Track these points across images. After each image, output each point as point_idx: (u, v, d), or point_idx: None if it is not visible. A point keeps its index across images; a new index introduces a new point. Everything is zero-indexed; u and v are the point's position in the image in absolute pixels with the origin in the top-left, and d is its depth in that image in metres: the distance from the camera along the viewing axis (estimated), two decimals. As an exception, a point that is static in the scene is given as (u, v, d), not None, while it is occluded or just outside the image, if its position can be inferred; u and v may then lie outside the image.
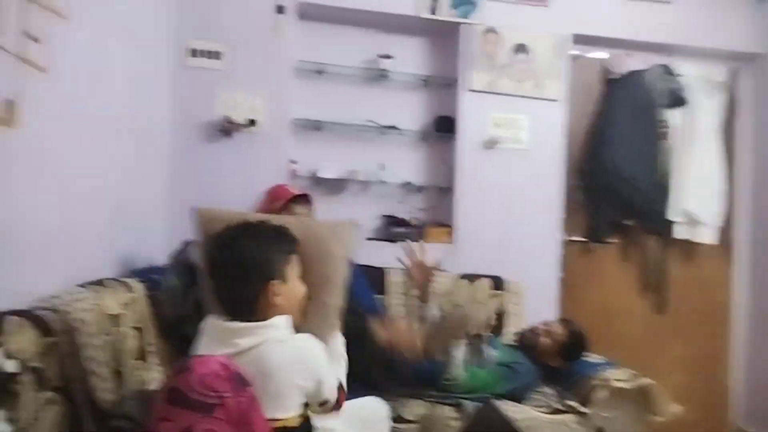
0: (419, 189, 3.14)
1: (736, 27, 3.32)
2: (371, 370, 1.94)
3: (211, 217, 1.51)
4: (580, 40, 3.21)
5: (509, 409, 2.04)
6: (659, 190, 3.26)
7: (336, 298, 1.49)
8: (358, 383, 1.74)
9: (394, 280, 2.71)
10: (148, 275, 1.98)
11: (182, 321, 1.90)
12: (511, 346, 2.53)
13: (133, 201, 2.24)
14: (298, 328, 1.32)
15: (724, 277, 3.44)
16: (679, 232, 3.32)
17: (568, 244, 3.25)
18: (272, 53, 2.85)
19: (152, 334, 1.81)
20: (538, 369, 2.36)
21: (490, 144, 3.08)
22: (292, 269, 1.33)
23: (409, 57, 3.18)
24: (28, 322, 1.14)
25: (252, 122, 2.79)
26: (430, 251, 2.36)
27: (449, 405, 2.07)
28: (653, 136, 3.28)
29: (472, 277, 2.83)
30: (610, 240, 3.31)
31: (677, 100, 3.30)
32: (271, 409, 1.16)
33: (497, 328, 2.76)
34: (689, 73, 3.36)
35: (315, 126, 3.00)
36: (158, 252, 2.45)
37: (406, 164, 3.15)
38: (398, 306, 2.68)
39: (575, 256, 3.29)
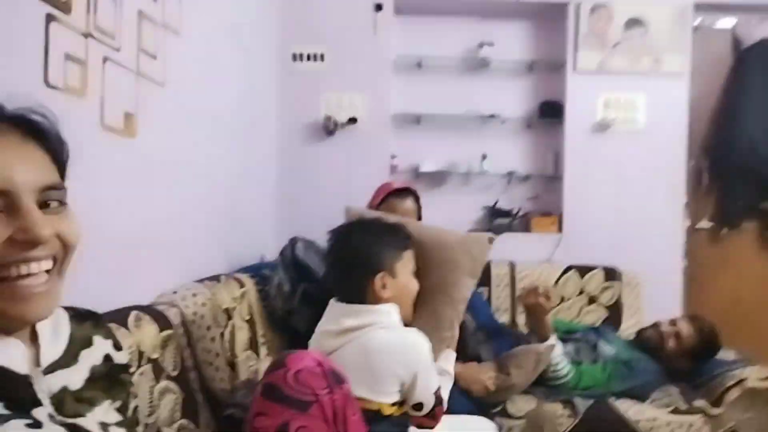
0: (524, 178, 3.03)
1: None
2: None
3: (355, 216, 1.64)
4: (703, 8, 2.91)
5: (627, 408, 1.91)
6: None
7: (451, 311, 1.48)
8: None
9: (498, 273, 2.64)
10: (258, 271, 2.09)
11: (290, 314, 1.99)
12: (629, 341, 2.35)
13: (243, 201, 2.38)
14: (406, 325, 1.34)
15: None
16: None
17: (692, 230, 2.97)
18: (371, 51, 2.88)
19: (262, 326, 1.91)
20: (661, 368, 2.16)
21: (602, 127, 2.89)
22: (404, 265, 1.36)
23: (511, 42, 3.07)
24: (147, 317, 1.25)
25: (353, 120, 2.84)
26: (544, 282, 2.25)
27: (560, 401, 1.98)
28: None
29: (582, 269, 2.68)
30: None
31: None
32: (367, 390, 1.18)
33: (614, 322, 2.59)
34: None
35: (415, 120, 2.99)
36: (267, 248, 2.59)
37: (510, 153, 3.05)
38: (502, 299, 2.61)
39: (702, 244, 3.00)
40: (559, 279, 2.67)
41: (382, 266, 1.32)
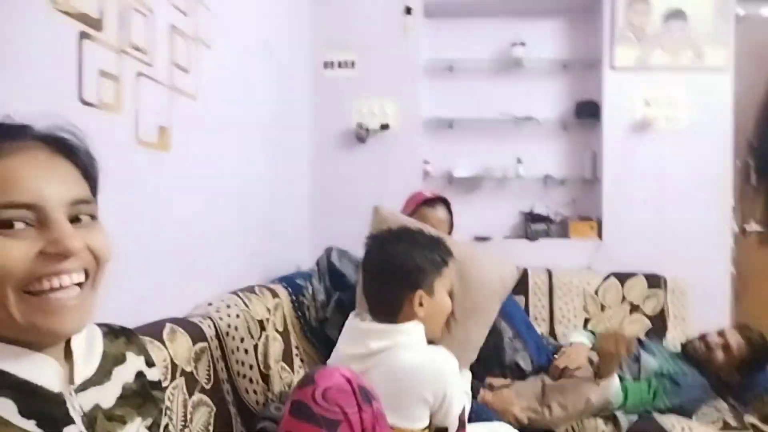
0: (560, 182, 2.95)
1: None
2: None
3: (384, 218, 1.63)
4: (748, -3, 2.79)
5: (673, 424, 1.82)
6: None
7: (479, 334, 1.44)
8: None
9: (535, 280, 2.58)
10: (293, 281, 2.09)
11: (324, 323, 1.98)
12: (674, 353, 2.24)
13: (277, 211, 2.39)
14: (434, 344, 1.30)
15: None
16: None
17: (741, 234, 2.84)
18: (402, 56, 2.86)
19: (297, 337, 1.90)
20: (709, 381, 2.05)
21: (642, 126, 2.80)
22: (442, 283, 1.31)
23: (544, 41, 3.00)
24: (181, 329, 1.25)
25: (385, 126, 2.82)
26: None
27: (602, 417, 1.90)
28: None
29: (623, 276, 2.59)
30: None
31: None
32: (396, 417, 1.14)
33: (658, 332, 2.49)
34: None
35: (447, 124, 2.96)
36: (303, 258, 2.60)
37: (545, 156, 2.98)
38: (539, 308, 2.54)
39: (751, 249, 2.87)
40: (599, 287, 2.58)
41: (422, 283, 1.27)
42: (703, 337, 2.11)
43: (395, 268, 1.27)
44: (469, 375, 1.48)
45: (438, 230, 1.99)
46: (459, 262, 1.44)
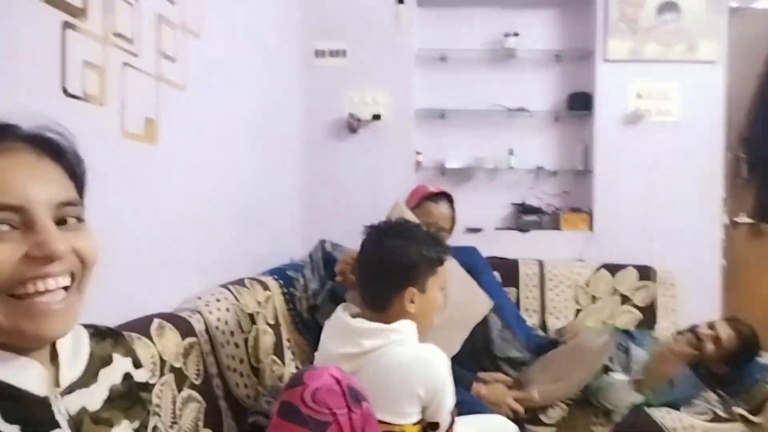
0: (552, 173, 2.95)
1: None
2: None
3: (402, 213, 1.71)
4: (741, -11, 2.78)
5: (663, 415, 1.83)
6: None
7: (462, 333, 1.44)
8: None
9: (526, 272, 2.58)
10: (284, 273, 2.08)
11: (315, 310, 1.98)
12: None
13: (268, 202, 2.37)
14: (421, 340, 1.29)
15: None
16: None
17: (731, 227, 2.85)
18: (394, 45, 2.83)
19: (288, 330, 1.89)
20: (698, 373, 2.07)
21: (634, 118, 2.80)
22: (436, 281, 1.30)
23: (538, 32, 2.98)
24: (169, 325, 1.24)
25: (376, 117, 2.80)
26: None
27: (593, 411, 1.91)
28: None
29: (614, 267, 2.59)
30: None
31: None
32: (386, 413, 1.14)
33: (648, 323, 2.51)
34: None
35: (439, 115, 2.94)
36: (295, 249, 2.58)
37: (537, 148, 2.97)
38: (531, 299, 2.54)
39: (742, 241, 2.88)
40: (590, 278, 2.59)
41: (415, 281, 1.26)
42: (693, 329, 2.11)
43: (390, 263, 1.26)
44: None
45: (441, 225, 2.00)
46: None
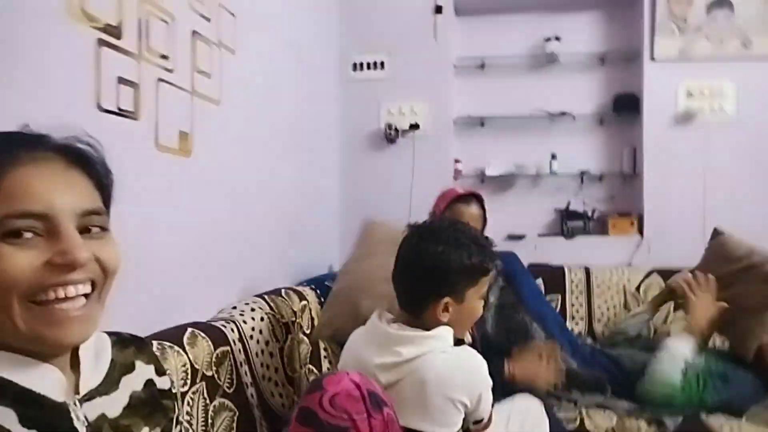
0: (598, 178, 2.84)
1: None
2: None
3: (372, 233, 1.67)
4: (797, -21, 2.63)
5: (721, 424, 1.72)
6: None
7: None
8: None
9: (572, 278, 2.49)
10: (321, 283, 2.08)
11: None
12: (720, 351, 2.12)
13: (307, 213, 2.39)
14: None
15: None
16: None
17: (796, 229, 2.66)
18: (432, 55, 2.82)
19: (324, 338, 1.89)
20: (760, 379, 1.92)
21: (685, 118, 2.68)
22: (476, 291, 1.23)
23: (580, 35, 2.91)
24: (202, 333, 1.25)
25: (415, 126, 2.79)
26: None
27: (645, 419, 1.81)
28: None
29: (667, 273, 2.46)
30: None
31: None
32: (430, 423, 1.12)
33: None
34: None
35: (479, 122, 2.90)
36: (334, 260, 2.59)
37: (582, 152, 2.88)
38: (577, 307, 2.45)
39: (807, 245, 2.68)
40: (640, 284, 2.47)
41: (452, 290, 1.19)
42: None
43: (427, 270, 1.17)
44: None
45: (473, 226, 1.95)
46: None
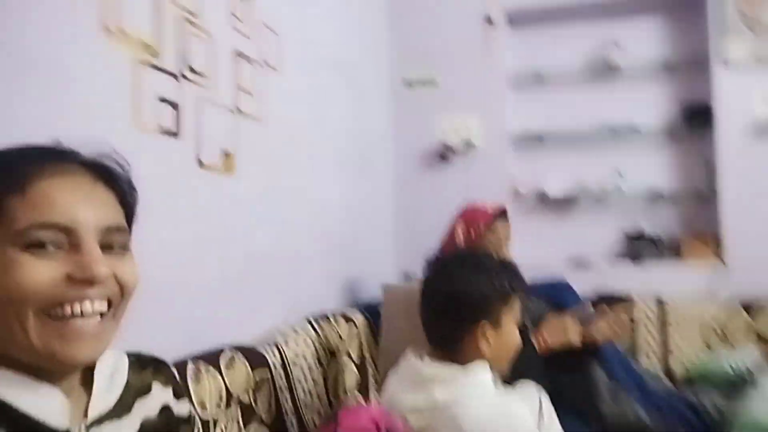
0: (669, 198, 2.64)
1: None
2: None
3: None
4: None
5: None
6: None
7: None
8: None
9: (642, 309, 2.27)
10: (373, 306, 2.00)
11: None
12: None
13: (359, 233, 2.33)
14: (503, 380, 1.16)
15: None
16: None
17: None
18: (485, 68, 2.74)
19: (374, 365, 1.80)
20: None
21: (764, 129, 2.45)
22: (510, 313, 1.14)
23: (643, 41, 2.75)
24: (241, 356, 1.20)
25: (469, 144, 2.70)
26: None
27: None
28: None
29: (752, 304, 2.22)
30: None
31: None
32: None
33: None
34: None
35: (537, 138, 2.77)
36: (388, 280, 2.51)
37: (650, 169, 2.69)
38: (649, 342, 2.24)
39: None
40: (722, 316, 2.23)
41: (486, 314, 1.11)
42: None
43: (455, 297, 1.12)
44: None
45: (508, 244, 1.83)
46: None
